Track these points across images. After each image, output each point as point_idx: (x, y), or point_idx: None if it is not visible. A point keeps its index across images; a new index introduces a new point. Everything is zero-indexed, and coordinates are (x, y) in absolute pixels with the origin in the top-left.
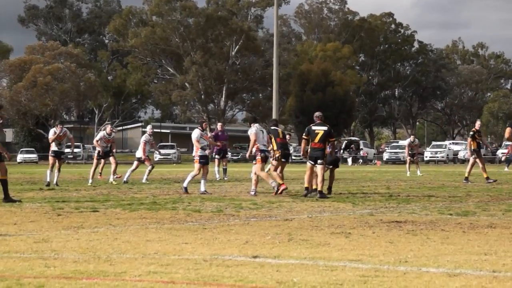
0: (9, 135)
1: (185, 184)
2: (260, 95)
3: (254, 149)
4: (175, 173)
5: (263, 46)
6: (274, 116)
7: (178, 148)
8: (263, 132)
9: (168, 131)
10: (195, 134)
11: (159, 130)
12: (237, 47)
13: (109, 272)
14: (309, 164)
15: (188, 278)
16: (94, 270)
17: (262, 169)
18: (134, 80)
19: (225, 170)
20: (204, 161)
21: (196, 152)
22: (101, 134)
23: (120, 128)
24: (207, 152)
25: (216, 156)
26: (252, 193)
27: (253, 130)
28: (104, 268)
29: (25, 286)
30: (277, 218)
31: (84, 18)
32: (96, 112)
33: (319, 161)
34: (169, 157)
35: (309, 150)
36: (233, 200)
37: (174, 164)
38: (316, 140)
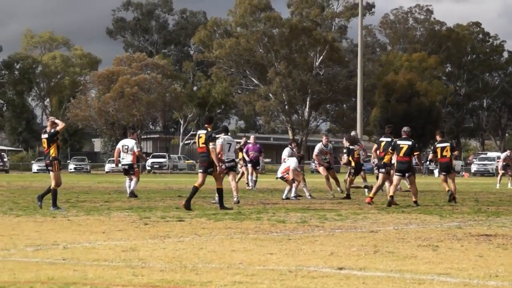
0: (97, 145)
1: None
2: (344, 105)
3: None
4: (259, 183)
5: (347, 56)
6: (358, 127)
7: (262, 159)
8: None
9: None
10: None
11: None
12: (321, 57)
13: (195, 281)
14: (396, 176)
15: None
16: (180, 279)
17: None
18: (219, 91)
19: (255, 182)
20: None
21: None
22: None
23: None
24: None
25: (249, 165)
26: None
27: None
28: (190, 278)
29: None
30: (362, 229)
31: (170, 30)
32: (181, 122)
33: (407, 174)
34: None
35: (395, 163)
36: (318, 211)
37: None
38: (401, 154)
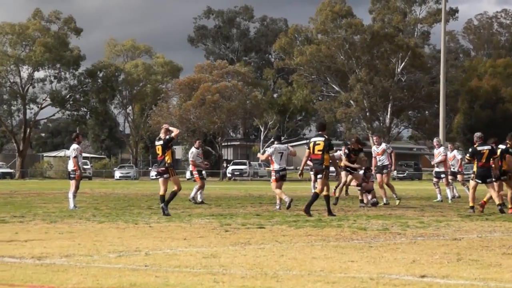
0: (178, 152)
1: (71, 199)
2: (426, 112)
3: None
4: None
5: (430, 62)
6: (441, 134)
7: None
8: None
9: None
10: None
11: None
12: (403, 63)
13: None
14: (473, 182)
15: None
16: (261, 286)
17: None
18: (299, 98)
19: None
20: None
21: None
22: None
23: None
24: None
25: (311, 172)
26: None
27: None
28: (271, 285)
29: None
30: (445, 237)
31: (251, 37)
32: (262, 129)
33: (488, 180)
34: (333, 174)
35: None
36: (399, 218)
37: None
38: (483, 159)
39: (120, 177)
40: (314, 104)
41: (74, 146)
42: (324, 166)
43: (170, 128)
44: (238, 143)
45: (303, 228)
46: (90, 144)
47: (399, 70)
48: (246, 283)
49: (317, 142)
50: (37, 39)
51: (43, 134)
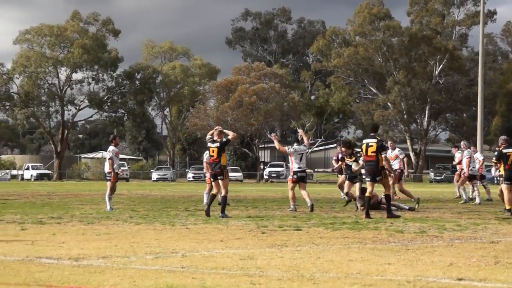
0: None
1: (107, 201)
2: (464, 114)
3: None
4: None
5: (468, 65)
6: (478, 136)
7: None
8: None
9: None
10: (111, 151)
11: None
12: (441, 66)
13: None
14: (505, 185)
15: None
16: None
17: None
18: (337, 100)
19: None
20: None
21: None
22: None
23: (323, 147)
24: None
25: (339, 175)
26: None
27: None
28: (307, 287)
29: None
30: (482, 240)
31: (289, 39)
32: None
33: None
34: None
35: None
36: (436, 221)
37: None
38: (509, 162)
39: (157, 178)
40: (352, 106)
41: (111, 148)
42: (380, 167)
43: (225, 130)
44: (275, 145)
45: (340, 231)
46: (127, 145)
47: (437, 72)
48: (282, 285)
49: (370, 144)
50: (75, 40)
51: (80, 136)
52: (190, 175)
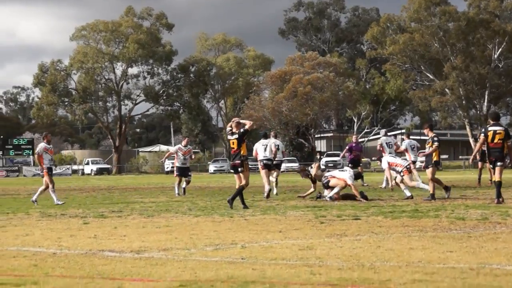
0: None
1: (34, 198)
2: None
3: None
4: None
5: None
6: None
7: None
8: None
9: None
10: (40, 148)
11: (418, 137)
12: (500, 49)
13: (373, 280)
14: None
15: (455, 287)
16: (358, 278)
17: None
18: (393, 88)
19: (362, 178)
20: (51, 173)
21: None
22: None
23: (379, 136)
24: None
25: (350, 165)
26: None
27: None
28: (368, 276)
29: None
30: None
31: (343, 28)
32: (355, 120)
33: None
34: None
35: None
36: (499, 208)
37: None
38: None
39: (214, 171)
40: (408, 94)
41: (41, 144)
42: (504, 153)
43: (242, 121)
44: (331, 134)
45: (400, 219)
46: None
47: (496, 56)
48: (343, 275)
49: (498, 131)
50: (130, 35)
51: (138, 130)
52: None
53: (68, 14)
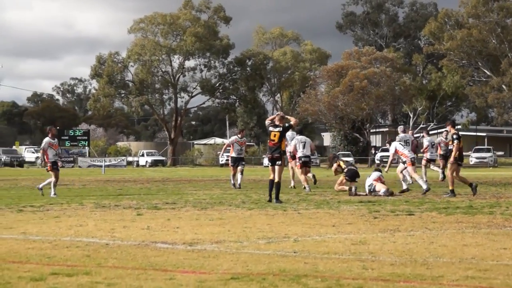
0: (326, 139)
1: (40, 186)
2: None
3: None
4: (492, 176)
5: None
6: None
7: (494, 152)
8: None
9: (484, 134)
10: (45, 143)
11: (474, 133)
12: None
13: (426, 275)
14: None
15: (508, 284)
16: (411, 274)
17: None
18: (450, 84)
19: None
20: (56, 167)
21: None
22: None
23: (435, 131)
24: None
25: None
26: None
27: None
28: (421, 272)
29: (344, 287)
30: None
31: (400, 23)
32: (411, 115)
33: None
34: (485, 160)
35: None
36: None
37: (491, 168)
38: None
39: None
40: (465, 89)
41: (46, 139)
42: None
43: (287, 116)
44: (386, 129)
45: (454, 215)
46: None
47: None
48: (395, 270)
49: None
50: (187, 28)
51: (193, 122)
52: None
53: (126, 7)
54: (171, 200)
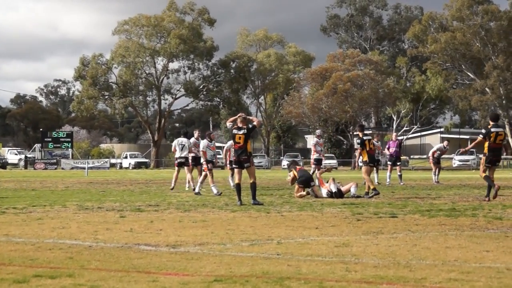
0: (310, 141)
1: (197, 190)
2: None
3: None
4: (475, 179)
5: None
6: None
7: (477, 154)
8: None
9: (467, 137)
10: (203, 144)
11: (458, 136)
12: None
13: (409, 278)
14: None
15: (490, 286)
16: (394, 276)
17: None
18: (434, 86)
19: (400, 176)
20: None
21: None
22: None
23: (418, 134)
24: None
25: (389, 162)
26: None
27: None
28: (404, 274)
29: None
30: None
31: (384, 25)
32: (394, 118)
33: None
34: (468, 163)
35: None
36: None
37: (473, 170)
38: None
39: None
40: (448, 92)
41: (204, 142)
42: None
43: (248, 117)
44: (370, 132)
45: (437, 218)
46: (223, 134)
47: None
48: (378, 272)
49: (499, 133)
50: (172, 30)
51: (177, 124)
52: (284, 162)
53: (111, 8)
54: (154, 202)
